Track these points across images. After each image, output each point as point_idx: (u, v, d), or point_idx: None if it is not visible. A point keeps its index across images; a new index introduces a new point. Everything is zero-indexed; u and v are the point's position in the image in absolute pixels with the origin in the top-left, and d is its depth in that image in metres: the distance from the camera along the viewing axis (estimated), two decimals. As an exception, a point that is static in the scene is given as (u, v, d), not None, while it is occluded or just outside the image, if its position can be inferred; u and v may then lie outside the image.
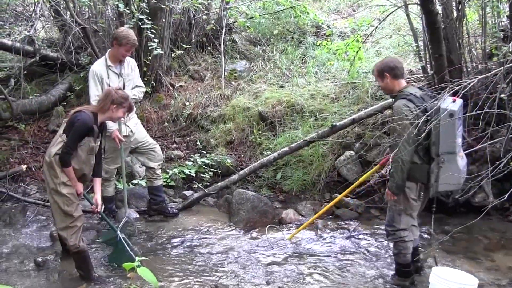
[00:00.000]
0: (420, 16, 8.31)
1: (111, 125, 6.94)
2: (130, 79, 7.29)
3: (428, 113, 5.27)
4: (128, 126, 7.24)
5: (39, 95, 10.88)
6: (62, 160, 5.57)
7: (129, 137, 7.35)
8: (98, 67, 7.11)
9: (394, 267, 6.12)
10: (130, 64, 7.37)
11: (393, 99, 5.73)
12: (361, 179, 6.98)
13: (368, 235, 7.32)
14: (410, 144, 5.30)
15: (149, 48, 9.40)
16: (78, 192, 5.79)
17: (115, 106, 5.74)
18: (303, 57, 11.52)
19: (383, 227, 7.46)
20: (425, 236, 7.33)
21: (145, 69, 10.30)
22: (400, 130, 5.35)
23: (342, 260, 6.61)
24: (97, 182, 6.15)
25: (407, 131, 5.28)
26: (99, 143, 5.92)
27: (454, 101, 5.33)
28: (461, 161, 5.47)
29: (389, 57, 6.63)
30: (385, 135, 7.87)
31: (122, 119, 7.04)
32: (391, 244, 6.15)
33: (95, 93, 7.03)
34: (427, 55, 8.47)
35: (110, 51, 7.22)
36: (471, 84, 5.21)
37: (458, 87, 5.08)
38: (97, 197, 6.11)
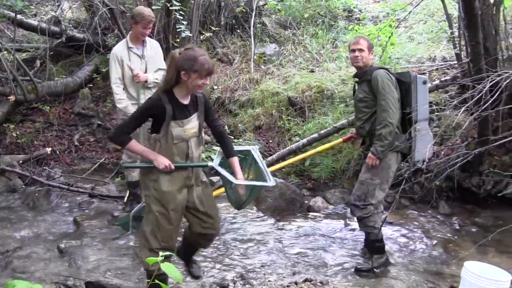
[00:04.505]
0: (456, 1, 8.13)
1: (130, 109, 6.86)
2: (152, 61, 7.13)
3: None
4: None
5: (64, 76, 10.88)
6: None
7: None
8: (119, 49, 6.99)
9: (365, 250, 6.26)
10: (153, 46, 7.22)
11: (357, 78, 6.05)
12: (319, 149, 7.30)
13: (398, 225, 7.19)
14: (396, 107, 5.54)
15: (178, 30, 9.30)
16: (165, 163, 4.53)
17: (183, 72, 4.40)
18: (334, 42, 11.43)
19: (413, 216, 7.42)
20: (455, 227, 7.21)
21: (173, 51, 10.22)
22: (386, 94, 5.52)
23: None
24: (234, 161, 4.96)
25: (393, 95, 5.53)
26: (197, 122, 4.71)
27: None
28: None
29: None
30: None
31: (142, 97, 6.94)
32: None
33: (115, 76, 6.92)
34: (462, 42, 8.29)
35: (131, 32, 7.10)
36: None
37: (499, 78, 4.92)
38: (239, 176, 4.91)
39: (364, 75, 5.80)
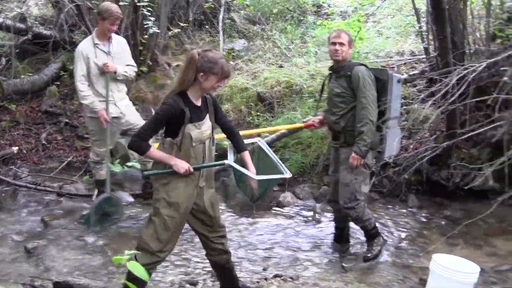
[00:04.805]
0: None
1: (97, 105, 6.81)
2: (119, 58, 7.03)
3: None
4: (118, 107, 7.05)
5: (31, 74, 10.79)
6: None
7: (120, 119, 7.11)
8: (84, 45, 6.88)
9: (336, 244, 6.48)
10: (120, 42, 7.14)
11: (333, 71, 5.98)
12: (278, 127, 7.88)
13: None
14: (376, 105, 5.60)
15: (145, 26, 9.23)
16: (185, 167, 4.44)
17: (201, 73, 4.35)
18: (303, 37, 11.45)
19: (382, 209, 7.44)
20: (423, 220, 7.28)
21: (141, 48, 10.17)
22: (366, 91, 5.56)
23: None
24: (246, 155, 4.90)
25: (373, 92, 5.60)
26: (210, 123, 4.63)
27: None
28: None
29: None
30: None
31: (111, 98, 6.90)
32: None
33: (80, 73, 6.81)
34: (430, 36, 8.33)
35: (97, 28, 7.00)
36: (480, 68, 5.08)
37: (465, 71, 4.94)
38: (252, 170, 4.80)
39: (342, 70, 5.78)
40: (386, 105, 5.64)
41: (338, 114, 5.82)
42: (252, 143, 5.38)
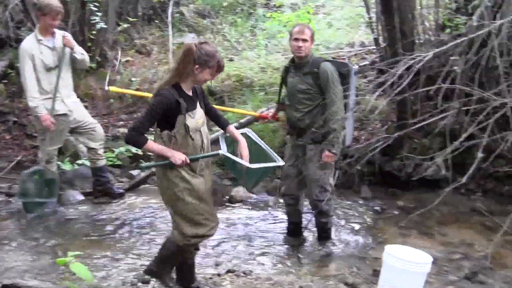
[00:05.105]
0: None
1: (41, 110, 6.70)
2: (66, 53, 6.91)
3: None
4: (65, 104, 6.91)
5: (-24, 73, 10.47)
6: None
7: (67, 116, 6.99)
8: (28, 43, 6.75)
9: (289, 238, 6.41)
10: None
11: (295, 66, 5.85)
12: (234, 109, 7.92)
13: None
14: (343, 100, 5.57)
15: (92, 22, 9.08)
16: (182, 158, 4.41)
17: (197, 66, 4.35)
18: (253, 30, 11.43)
19: (335, 201, 7.42)
20: (377, 210, 7.33)
21: (89, 44, 10.00)
22: (335, 88, 5.55)
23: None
24: (232, 129, 4.87)
25: (340, 88, 5.58)
26: (202, 111, 4.62)
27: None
28: None
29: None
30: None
31: (58, 95, 6.78)
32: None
33: (28, 72, 6.68)
34: (380, 26, 8.36)
35: (38, 25, 6.90)
36: (427, 58, 5.08)
37: (412, 61, 4.94)
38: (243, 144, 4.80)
39: (306, 66, 5.71)
40: (348, 97, 5.62)
41: (302, 111, 5.75)
42: (242, 133, 5.30)
